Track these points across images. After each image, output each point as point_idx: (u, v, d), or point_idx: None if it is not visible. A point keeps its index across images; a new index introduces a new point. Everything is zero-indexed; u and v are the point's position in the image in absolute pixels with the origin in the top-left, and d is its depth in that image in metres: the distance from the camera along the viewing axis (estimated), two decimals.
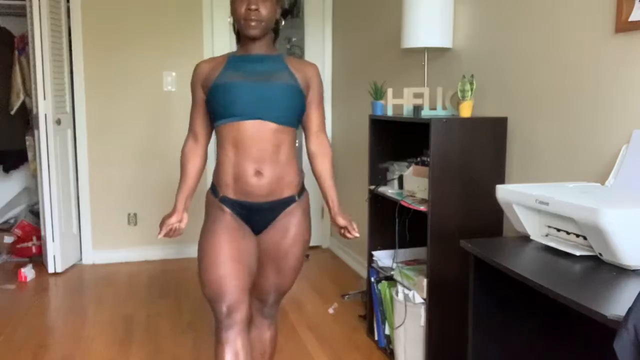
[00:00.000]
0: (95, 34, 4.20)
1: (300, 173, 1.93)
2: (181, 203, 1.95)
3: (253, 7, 1.76)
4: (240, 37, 1.88)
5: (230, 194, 1.85)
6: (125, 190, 4.37)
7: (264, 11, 1.77)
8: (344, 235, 1.96)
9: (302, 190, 1.94)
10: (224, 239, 1.82)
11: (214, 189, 1.92)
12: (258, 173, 1.80)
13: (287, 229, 1.90)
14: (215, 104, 1.80)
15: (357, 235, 1.93)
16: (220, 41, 4.41)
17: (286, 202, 1.88)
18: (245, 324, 1.81)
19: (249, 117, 1.77)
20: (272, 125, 1.79)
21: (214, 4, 4.36)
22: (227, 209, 1.86)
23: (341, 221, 1.94)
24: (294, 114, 1.84)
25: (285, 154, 1.84)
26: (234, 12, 1.81)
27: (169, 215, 1.92)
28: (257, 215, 1.87)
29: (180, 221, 1.94)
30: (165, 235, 1.91)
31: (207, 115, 1.89)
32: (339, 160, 4.47)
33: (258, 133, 1.78)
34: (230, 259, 1.79)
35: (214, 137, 1.95)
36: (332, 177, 1.97)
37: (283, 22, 1.94)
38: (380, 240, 2.88)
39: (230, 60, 1.86)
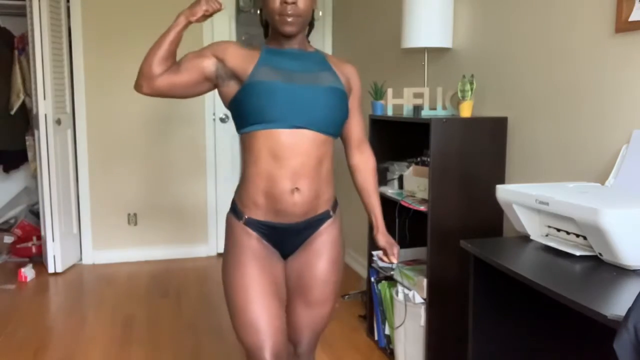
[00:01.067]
0: (95, 34, 4.20)
1: (334, 187, 1.71)
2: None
3: (290, 0, 1.52)
4: (271, 31, 1.63)
5: (259, 215, 1.59)
6: (125, 190, 4.37)
7: (302, 4, 1.54)
8: (380, 258, 1.81)
9: (336, 205, 1.72)
10: (255, 272, 1.57)
11: (235, 210, 1.64)
12: (296, 190, 1.56)
13: (321, 251, 1.66)
14: (250, 106, 1.53)
15: (395, 262, 1.77)
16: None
17: (321, 219, 1.65)
18: None
19: (288, 125, 1.53)
20: (315, 136, 1.55)
21: None
22: (253, 233, 1.60)
23: (382, 242, 1.77)
24: (339, 122, 1.61)
25: (327, 168, 1.62)
26: (265, 5, 1.56)
27: None
28: (289, 238, 1.64)
29: None
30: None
31: (193, 81, 1.59)
32: (340, 160, 4.46)
33: (299, 144, 1.54)
34: (266, 296, 1.55)
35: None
36: (376, 192, 1.80)
37: (320, 13, 1.70)
38: None
39: (265, 54, 1.60)
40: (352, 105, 1.70)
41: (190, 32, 4.54)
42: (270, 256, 1.62)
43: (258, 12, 1.67)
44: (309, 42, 1.70)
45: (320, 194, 1.62)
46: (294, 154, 1.54)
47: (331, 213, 1.68)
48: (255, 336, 1.53)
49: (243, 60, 1.57)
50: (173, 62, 1.60)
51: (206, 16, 1.59)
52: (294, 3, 1.52)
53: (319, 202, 1.62)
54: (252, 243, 1.60)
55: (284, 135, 1.53)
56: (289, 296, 1.68)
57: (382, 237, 1.78)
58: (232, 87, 1.58)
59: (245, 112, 1.54)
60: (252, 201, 1.59)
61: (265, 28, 1.66)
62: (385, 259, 1.78)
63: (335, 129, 1.62)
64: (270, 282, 1.58)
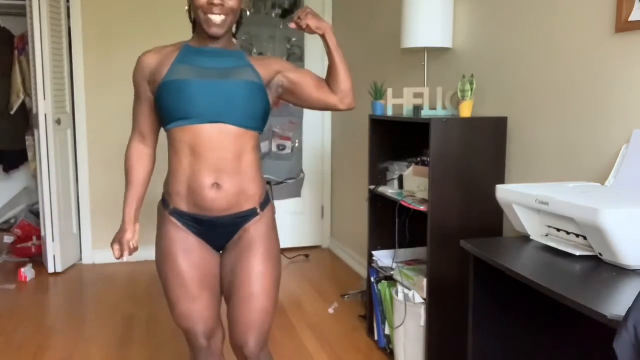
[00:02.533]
0: (95, 34, 4.20)
1: (263, 184, 1.71)
2: (130, 216, 1.72)
3: (217, 0, 1.51)
4: (197, 27, 1.62)
5: (183, 206, 1.64)
6: (125, 190, 4.36)
7: (230, 4, 1.53)
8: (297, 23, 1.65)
9: (265, 203, 1.71)
10: (186, 263, 1.64)
11: (163, 200, 1.71)
12: (216, 185, 1.59)
13: (251, 246, 1.66)
14: (166, 105, 1.57)
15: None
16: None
17: (247, 216, 1.66)
18: (222, 347, 1.78)
19: (207, 120, 1.55)
20: (234, 130, 1.57)
21: None
22: (179, 224, 1.66)
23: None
24: (258, 116, 1.62)
25: (248, 162, 1.62)
26: (193, 1, 1.55)
27: (122, 232, 1.70)
28: (213, 231, 1.67)
29: (133, 237, 1.71)
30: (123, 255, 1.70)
31: (155, 112, 1.68)
32: (339, 160, 4.46)
33: (217, 138, 1.56)
34: (199, 287, 1.65)
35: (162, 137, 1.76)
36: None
37: (249, 13, 1.62)
38: (380, 240, 2.88)
39: (183, 52, 1.61)
40: (290, 76, 1.67)
41: (190, 34, 4.54)
42: (199, 248, 1.67)
43: (187, 8, 1.66)
44: (236, 38, 1.72)
45: (244, 190, 1.63)
46: (212, 148, 1.57)
47: (258, 211, 1.68)
48: (188, 323, 1.67)
49: (160, 64, 1.61)
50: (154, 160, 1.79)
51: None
52: (221, 4, 1.52)
53: (242, 199, 1.63)
54: (179, 234, 1.66)
55: (201, 131, 1.56)
56: (227, 294, 1.70)
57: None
58: (154, 89, 1.63)
59: (163, 111, 1.58)
60: (175, 192, 1.64)
61: (194, 24, 1.64)
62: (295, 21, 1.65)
63: (255, 123, 1.62)
64: (200, 272, 1.66)
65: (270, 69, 1.66)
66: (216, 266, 1.71)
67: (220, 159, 1.58)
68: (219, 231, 1.67)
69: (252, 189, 1.65)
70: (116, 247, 1.69)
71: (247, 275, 1.64)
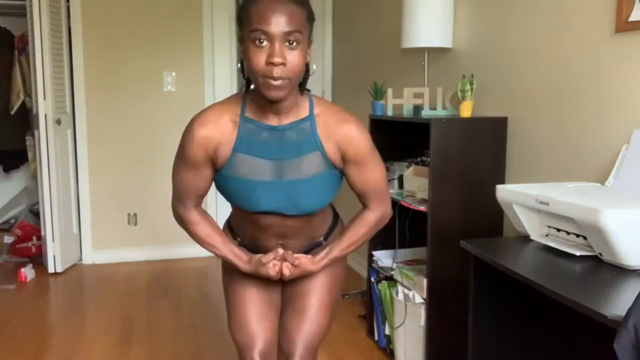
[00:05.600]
0: (95, 34, 4.19)
1: (330, 216, 1.63)
2: (241, 255, 1.56)
3: (277, 60, 1.24)
4: (254, 88, 1.36)
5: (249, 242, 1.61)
6: (125, 190, 4.37)
7: (292, 64, 1.26)
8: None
9: (330, 231, 1.64)
10: (252, 289, 1.61)
11: (230, 228, 1.65)
12: (281, 245, 1.55)
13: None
14: (227, 194, 1.48)
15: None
16: (220, 41, 4.41)
17: (311, 250, 1.62)
18: None
19: (270, 212, 1.47)
20: (300, 216, 1.49)
21: (214, 3, 4.36)
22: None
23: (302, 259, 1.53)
24: (329, 199, 1.50)
25: (316, 222, 1.56)
26: (248, 61, 1.28)
27: (255, 266, 1.52)
28: None
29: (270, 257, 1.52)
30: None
31: (207, 181, 1.50)
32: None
33: (284, 221, 1.49)
34: (268, 308, 1.62)
35: None
36: (350, 239, 1.55)
37: (315, 67, 1.42)
38: (380, 240, 2.87)
39: (242, 131, 1.39)
40: (351, 171, 1.46)
41: (190, 34, 4.53)
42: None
43: (239, 65, 1.45)
44: (308, 90, 1.44)
45: (312, 238, 1.60)
46: (276, 226, 1.50)
47: (323, 242, 1.62)
48: (245, 336, 1.58)
49: (220, 142, 1.40)
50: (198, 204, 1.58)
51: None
52: (282, 64, 1.25)
53: (310, 243, 1.60)
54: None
55: (265, 217, 1.48)
56: (283, 303, 1.65)
57: (310, 263, 1.53)
58: (216, 165, 1.46)
59: (225, 196, 1.49)
60: (241, 233, 1.61)
61: (248, 82, 1.39)
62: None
63: (325, 203, 1.50)
64: (264, 286, 1.62)
65: (338, 148, 1.42)
66: (279, 298, 1.67)
67: (285, 232, 1.52)
68: None
69: (317, 233, 1.61)
70: (270, 266, 1.50)
71: (306, 288, 1.60)
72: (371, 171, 1.48)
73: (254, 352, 1.57)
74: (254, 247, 1.60)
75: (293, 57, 1.26)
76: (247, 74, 1.35)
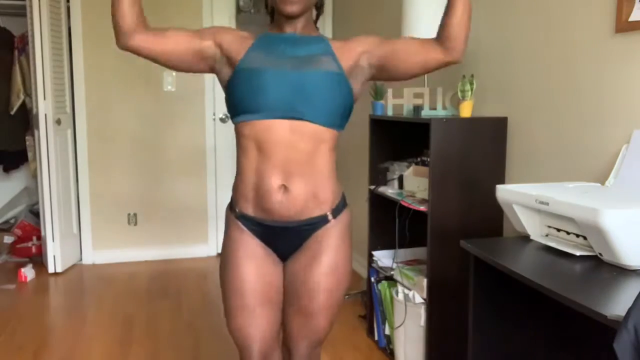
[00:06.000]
0: (95, 34, 4.19)
1: (338, 188, 1.57)
2: None
3: None
4: (274, 15, 1.52)
5: (250, 210, 1.52)
6: (125, 190, 4.37)
7: None
8: None
9: (339, 209, 1.56)
10: (249, 271, 1.53)
11: (231, 203, 1.60)
12: (284, 187, 1.47)
13: (318, 257, 1.53)
14: (238, 94, 1.45)
15: None
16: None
17: (317, 223, 1.53)
18: None
19: (280, 115, 1.43)
20: (309, 126, 1.44)
21: (213, 3, 4.36)
22: (245, 229, 1.55)
23: None
24: (337, 112, 1.47)
25: (322, 164, 1.49)
26: None
27: None
28: (281, 239, 1.55)
29: None
30: None
31: (181, 49, 1.49)
32: (339, 160, 4.46)
33: (288, 136, 1.44)
34: (261, 300, 1.53)
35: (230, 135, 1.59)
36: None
37: None
38: (380, 240, 2.88)
39: (260, 39, 1.50)
40: (378, 52, 1.49)
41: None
42: (265, 256, 1.56)
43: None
44: (317, 27, 1.58)
45: (315, 193, 1.49)
46: (281, 146, 1.44)
47: (329, 217, 1.53)
48: (244, 338, 1.55)
49: (238, 45, 1.49)
50: (139, 11, 1.47)
51: None
52: None
53: (312, 204, 1.50)
54: (246, 241, 1.55)
55: (270, 126, 1.43)
56: (285, 301, 1.60)
57: None
58: (226, 74, 1.51)
59: (234, 101, 1.46)
60: (243, 195, 1.53)
61: (271, 14, 1.55)
62: None
63: (334, 119, 1.47)
64: (263, 283, 1.54)
65: (354, 52, 1.50)
66: (280, 277, 1.59)
67: (290, 159, 1.44)
68: (286, 239, 1.55)
69: (324, 194, 1.51)
70: None
71: (308, 289, 1.54)
72: (396, 40, 1.51)
73: (253, 353, 1.55)
74: (256, 206, 1.51)
75: None
76: (269, 1, 1.50)
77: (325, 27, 4.51)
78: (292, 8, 1.43)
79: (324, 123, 1.45)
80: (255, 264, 1.54)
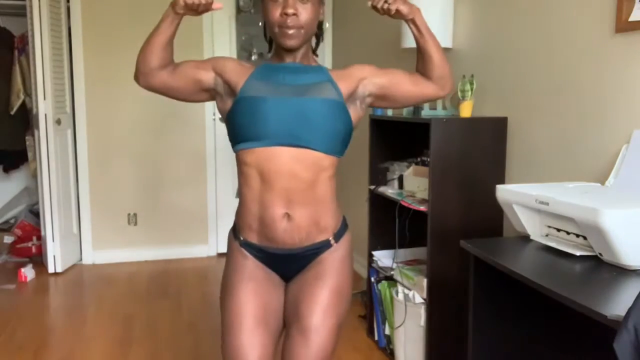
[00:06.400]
0: (95, 34, 4.20)
1: (338, 213, 1.59)
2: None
3: (290, 11, 1.43)
4: (274, 45, 1.56)
5: (254, 238, 1.54)
6: (125, 190, 4.37)
7: (304, 16, 1.45)
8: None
9: (340, 233, 1.59)
10: (247, 295, 1.53)
11: (234, 229, 1.61)
12: (287, 216, 1.48)
13: (320, 277, 1.54)
14: (239, 122, 1.47)
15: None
16: (220, 41, 4.41)
17: (320, 248, 1.55)
18: None
19: (281, 142, 1.44)
20: (310, 154, 1.45)
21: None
22: (249, 255, 1.56)
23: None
24: (337, 139, 1.49)
25: (323, 192, 1.51)
26: (266, 15, 1.48)
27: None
28: (285, 264, 1.57)
29: None
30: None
31: (189, 83, 1.55)
32: (339, 160, 4.46)
33: (289, 164, 1.45)
34: (254, 323, 1.51)
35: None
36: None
37: (327, 24, 1.56)
38: (380, 240, 2.88)
39: (260, 69, 1.53)
40: (378, 81, 1.55)
41: (190, 33, 4.53)
42: (266, 279, 1.56)
43: (261, 24, 1.60)
44: (316, 55, 1.62)
45: (317, 222, 1.52)
46: (283, 175, 1.45)
47: (332, 242, 1.56)
48: (235, 357, 1.50)
49: (238, 75, 1.52)
50: (167, 56, 1.54)
51: (193, 9, 1.47)
52: (294, 14, 1.44)
53: (315, 230, 1.52)
54: (248, 265, 1.56)
55: (271, 154, 1.45)
56: (286, 322, 1.57)
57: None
58: (228, 103, 1.53)
59: (235, 129, 1.49)
60: (246, 224, 1.54)
61: (270, 44, 1.59)
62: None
63: (335, 146, 1.49)
64: (261, 307, 1.53)
65: (352, 79, 1.54)
66: (279, 302, 1.58)
67: (292, 187, 1.46)
68: (290, 263, 1.57)
69: (325, 220, 1.54)
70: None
71: (310, 308, 1.51)
72: (391, 71, 1.57)
73: None
74: (260, 234, 1.52)
75: (305, 10, 1.45)
76: (268, 33, 1.54)
77: (325, 52, 4.48)
78: (291, 42, 1.47)
79: (325, 150, 1.47)
80: (254, 286, 1.54)
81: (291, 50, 1.51)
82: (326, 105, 1.47)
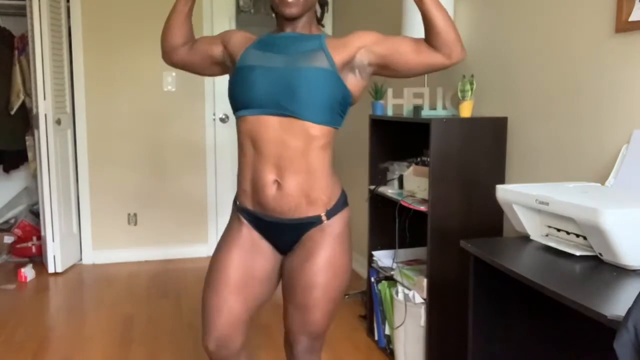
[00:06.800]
0: (95, 34, 4.20)
1: (334, 188, 1.58)
2: None
3: None
4: (276, 16, 1.58)
5: (249, 203, 1.57)
6: (125, 190, 4.37)
7: None
8: None
9: (335, 210, 1.58)
10: (230, 260, 1.58)
11: (236, 197, 1.66)
12: (277, 183, 1.51)
13: (313, 253, 1.55)
14: (233, 91, 1.52)
15: None
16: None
17: (310, 224, 1.56)
18: (235, 356, 1.62)
19: (272, 112, 1.47)
20: (298, 123, 1.46)
21: (214, 3, 4.36)
22: (244, 221, 1.60)
23: None
24: (327, 109, 1.48)
25: (315, 161, 1.50)
26: None
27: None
28: (278, 234, 1.59)
29: None
30: None
31: (200, 53, 1.67)
32: (339, 160, 4.46)
33: (282, 132, 1.47)
34: (237, 288, 1.56)
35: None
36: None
37: (328, 10, 1.61)
38: (380, 240, 2.88)
39: (260, 39, 1.57)
40: (378, 49, 1.49)
41: None
42: (256, 248, 1.60)
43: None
44: (322, 25, 1.62)
45: (308, 193, 1.52)
46: (276, 143, 1.48)
47: (323, 218, 1.56)
48: (210, 313, 1.58)
49: (240, 46, 1.58)
50: (184, 35, 1.67)
51: None
52: None
53: (305, 202, 1.53)
54: (241, 230, 1.60)
55: (261, 122, 1.48)
56: (284, 297, 1.63)
57: None
58: (230, 73, 1.60)
59: (230, 97, 1.55)
60: (242, 189, 1.58)
61: (276, 15, 1.61)
62: None
63: (324, 116, 1.48)
64: (241, 274, 1.57)
65: (349, 48, 1.50)
66: (268, 270, 1.62)
67: (282, 155, 1.48)
68: (282, 234, 1.59)
69: (316, 193, 1.53)
70: None
71: (303, 286, 1.55)
72: (395, 38, 1.51)
73: (212, 328, 1.58)
74: (253, 200, 1.56)
75: None
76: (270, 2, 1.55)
77: (326, 27, 4.50)
78: (290, 10, 1.48)
79: (312, 119, 1.47)
80: (241, 254, 1.58)
81: (291, 20, 1.52)
82: (314, 74, 1.46)
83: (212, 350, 1.59)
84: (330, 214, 1.57)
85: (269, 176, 1.50)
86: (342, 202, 1.62)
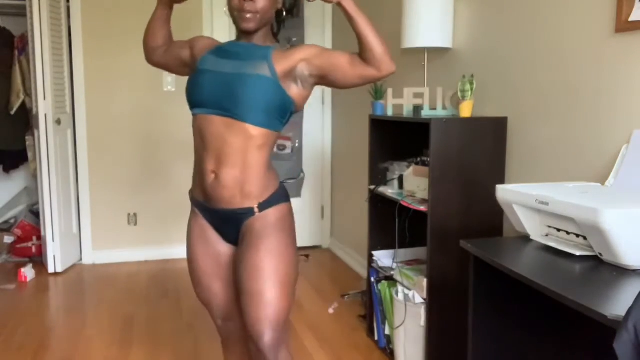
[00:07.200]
0: (95, 34, 4.20)
1: (269, 185, 1.70)
2: None
3: None
4: (236, 27, 1.71)
5: (197, 193, 1.76)
6: (125, 190, 4.37)
7: (260, 3, 1.61)
8: None
9: (269, 203, 1.69)
10: (199, 251, 1.78)
11: (191, 188, 1.83)
12: (214, 174, 1.66)
13: (252, 243, 1.66)
14: (189, 89, 1.69)
15: None
16: (219, 39, 4.40)
17: (245, 214, 1.68)
18: (242, 333, 1.87)
19: (217, 112, 1.62)
20: (238, 124, 1.60)
21: (213, 3, 4.36)
22: (198, 213, 1.78)
23: None
24: (266, 112, 1.61)
25: (251, 159, 1.64)
26: (228, 2, 1.67)
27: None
28: (220, 223, 1.74)
29: None
30: None
31: (172, 55, 1.83)
32: (339, 160, 4.46)
33: (224, 130, 1.61)
34: (210, 278, 1.79)
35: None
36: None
37: (285, 13, 1.74)
38: (380, 240, 2.88)
39: (220, 46, 1.73)
40: (316, 62, 1.61)
41: (190, 31, 4.53)
42: (212, 239, 1.77)
43: (225, 9, 1.77)
44: (277, 40, 1.77)
45: (242, 187, 1.65)
46: (215, 138, 1.63)
47: (255, 210, 1.68)
48: (205, 302, 1.84)
49: (202, 51, 1.73)
50: (162, 38, 1.83)
51: None
52: (252, 0, 1.60)
53: (241, 195, 1.66)
54: (198, 221, 1.78)
55: (207, 120, 1.64)
56: (237, 283, 1.71)
57: None
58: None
59: (187, 96, 1.70)
60: (193, 179, 1.77)
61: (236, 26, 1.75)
62: None
63: (263, 119, 1.61)
64: (211, 265, 1.78)
65: (291, 59, 1.63)
66: (228, 258, 1.79)
67: (222, 150, 1.63)
68: (225, 224, 1.74)
69: (250, 187, 1.66)
70: None
71: (249, 272, 1.64)
72: (332, 51, 1.64)
73: (214, 309, 1.85)
74: (200, 189, 1.73)
75: None
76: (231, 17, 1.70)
77: (325, 28, 4.51)
78: (248, 25, 1.63)
79: (252, 122, 1.61)
80: (205, 246, 1.78)
81: (248, 33, 1.67)
82: (254, 80, 1.60)
83: (220, 325, 1.87)
84: (263, 206, 1.69)
85: (210, 167, 1.66)
86: (277, 196, 1.72)
